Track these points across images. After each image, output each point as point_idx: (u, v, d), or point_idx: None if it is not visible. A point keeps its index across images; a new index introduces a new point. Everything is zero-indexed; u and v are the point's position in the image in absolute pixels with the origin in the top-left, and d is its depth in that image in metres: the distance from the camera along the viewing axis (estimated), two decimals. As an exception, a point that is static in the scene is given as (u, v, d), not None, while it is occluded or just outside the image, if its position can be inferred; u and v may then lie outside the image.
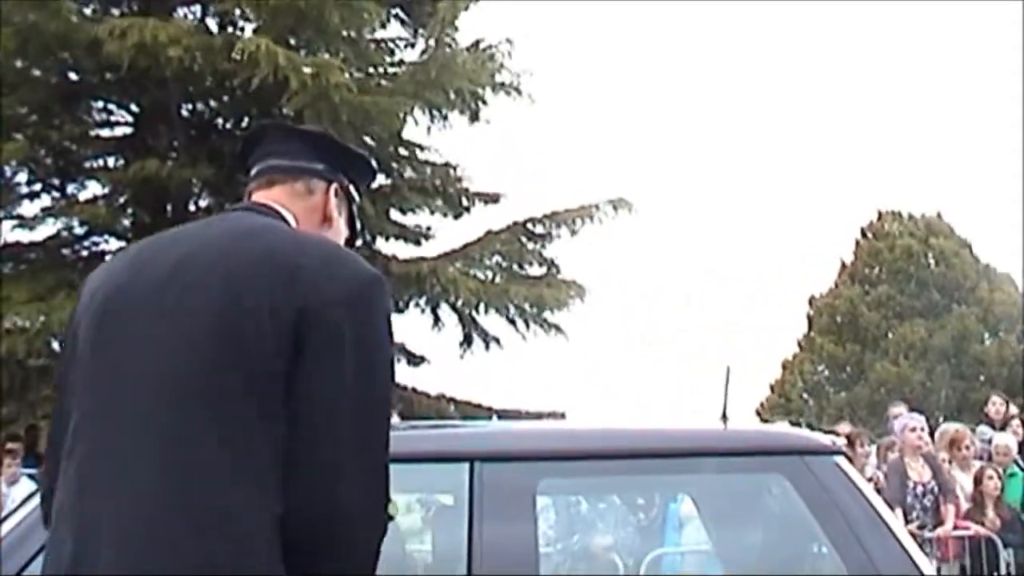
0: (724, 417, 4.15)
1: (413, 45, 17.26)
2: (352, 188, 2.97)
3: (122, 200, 16.49)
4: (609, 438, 4.08)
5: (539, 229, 17.25)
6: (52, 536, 2.47)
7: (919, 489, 10.79)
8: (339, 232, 2.89)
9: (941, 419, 13.96)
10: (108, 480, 2.38)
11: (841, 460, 3.99)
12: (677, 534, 9.85)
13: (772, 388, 43.33)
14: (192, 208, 16.69)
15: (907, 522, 10.27)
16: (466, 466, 3.74)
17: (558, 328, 17.49)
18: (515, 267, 17.35)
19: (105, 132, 17.13)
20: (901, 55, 66.11)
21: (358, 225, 3.02)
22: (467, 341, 17.59)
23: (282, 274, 2.46)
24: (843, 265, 44.11)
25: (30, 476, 12.78)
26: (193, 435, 2.37)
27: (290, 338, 2.41)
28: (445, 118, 16.52)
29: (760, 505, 4.24)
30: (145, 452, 2.37)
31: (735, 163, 68.54)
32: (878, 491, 10.45)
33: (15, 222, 16.60)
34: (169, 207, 16.28)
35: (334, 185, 2.88)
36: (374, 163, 3.16)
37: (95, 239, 17.01)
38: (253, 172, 2.90)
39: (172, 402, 2.40)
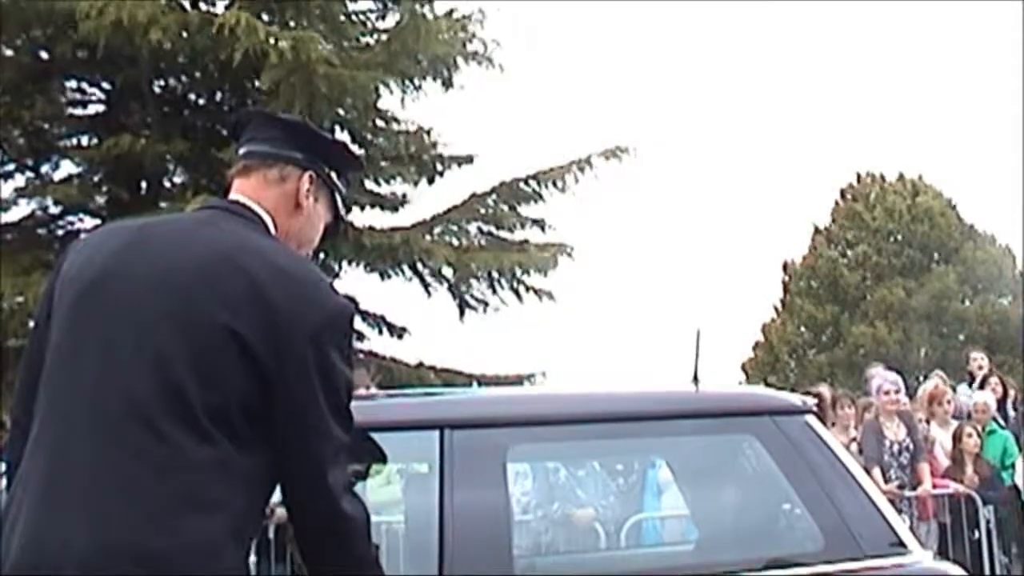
0: (695, 380, 4.15)
1: (384, 16, 17.14)
2: (335, 176, 3.07)
3: (96, 178, 16.39)
4: (579, 403, 4.08)
5: (526, 188, 17.03)
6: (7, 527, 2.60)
7: (895, 448, 10.81)
8: (314, 218, 3.02)
9: (921, 378, 13.98)
10: (71, 491, 2.53)
11: (811, 419, 4.00)
12: (656, 500, 9.88)
13: (754, 350, 43.45)
14: (167, 184, 16.61)
15: (885, 481, 10.29)
16: (436, 433, 3.74)
17: (543, 293, 17.36)
18: (498, 231, 17.19)
19: (78, 111, 16.99)
20: (882, 15, 65.94)
21: (342, 211, 3.14)
22: (461, 311, 17.47)
23: (250, 303, 2.62)
24: (816, 229, 44.18)
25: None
26: (153, 454, 2.54)
27: (260, 369, 2.61)
28: (419, 88, 16.42)
29: (732, 466, 4.24)
30: (108, 464, 2.54)
31: (712, 124, 68.62)
32: (860, 451, 10.52)
33: (-12, 204, 16.52)
34: (144, 184, 16.19)
35: (308, 172, 2.98)
36: (357, 151, 3.25)
37: (70, 218, 16.91)
38: (238, 155, 3.03)
39: (139, 416, 2.56)
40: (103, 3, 13.94)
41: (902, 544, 3.85)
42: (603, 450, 4.69)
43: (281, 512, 9.13)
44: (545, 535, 9.21)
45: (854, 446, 10.67)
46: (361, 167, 3.28)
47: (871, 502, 3.89)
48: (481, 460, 3.73)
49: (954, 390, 13.06)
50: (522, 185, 16.96)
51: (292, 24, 15.21)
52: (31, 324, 11.04)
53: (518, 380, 16.40)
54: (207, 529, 2.51)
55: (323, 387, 2.68)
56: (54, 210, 16.68)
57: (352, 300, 2.86)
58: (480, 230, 17.18)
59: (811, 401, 4.16)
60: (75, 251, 2.89)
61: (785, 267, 44.33)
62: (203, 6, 15.61)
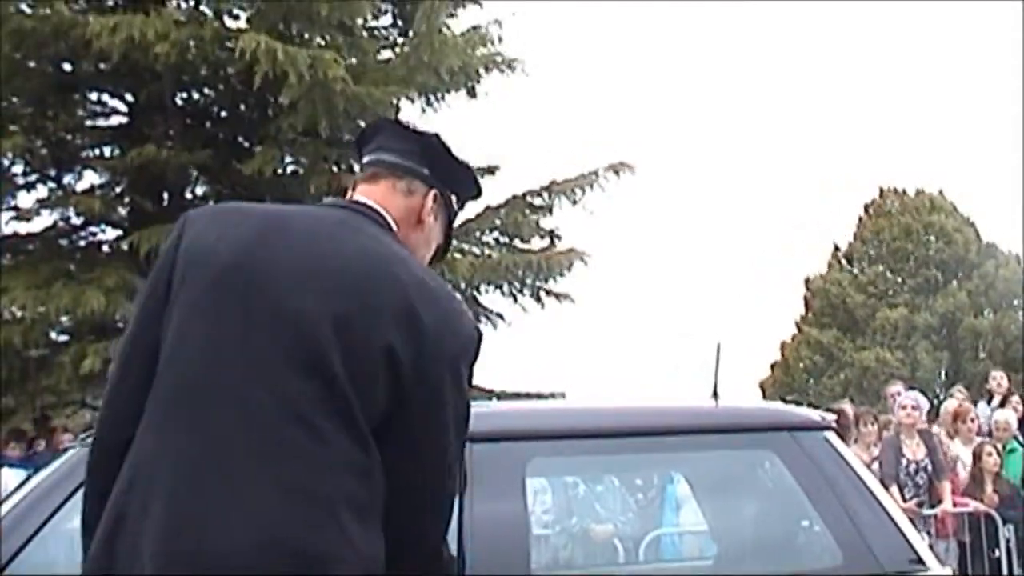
0: (715, 395, 4.15)
1: (405, 33, 17.20)
2: (454, 198, 3.02)
3: (119, 189, 16.46)
4: (598, 417, 4.08)
5: (539, 201, 17.13)
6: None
7: (912, 467, 10.77)
8: (430, 237, 2.94)
9: (941, 396, 13.94)
10: (224, 489, 2.43)
11: (831, 436, 4.00)
12: (675, 515, 9.86)
13: (772, 368, 43.33)
14: (189, 195, 16.68)
15: (903, 499, 10.26)
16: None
17: (562, 296, 17.43)
18: (514, 240, 17.27)
19: (101, 122, 17.05)
20: (903, 31, 65.95)
21: (452, 236, 3.08)
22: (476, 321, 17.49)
23: (404, 321, 2.53)
24: (836, 247, 44.08)
25: (11, 466, 12.92)
26: (302, 449, 2.45)
27: (401, 388, 2.53)
28: (441, 99, 16.50)
29: (751, 482, 4.25)
30: (265, 462, 2.44)
31: (736, 141, 68.55)
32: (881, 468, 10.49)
33: (12, 214, 16.56)
34: (166, 195, 16.26)
35: (434, 191, 2.92)
36: (479, 180, 3.15)
37: (92, 229, 16.97)
38: (363, 163, 2.97)
39: (298, 416, 2.47)
40: (115, 20, 14.02)
41: (920, 561, 3.86)
42: (623, 464, 4.69)
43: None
44: (564, 550, 9.19)
45: (876, 464, 10.63)
46: (480, 195, 3.15)
47: (890, 518, 3.89)
48: (501, 473, 3.74)
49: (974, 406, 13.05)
50: (534, 198, 17.07)
51: (309, 39, 15.27)
52: (52, 334, 11.04)
53: (537, 396, 16.41)
54: (369, 536, 2.47)
55: (452, 416, 2.63)
56: (76, 221, 16.73)
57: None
58: (497, 240, 17.25)
59: (830, 417, 4.16)
60: (194, 228, 2.68)
61: (807, 283, 44.22)
62: (222, 18, 15.70)
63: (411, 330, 2.53)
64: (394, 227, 2.79)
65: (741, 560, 4.24)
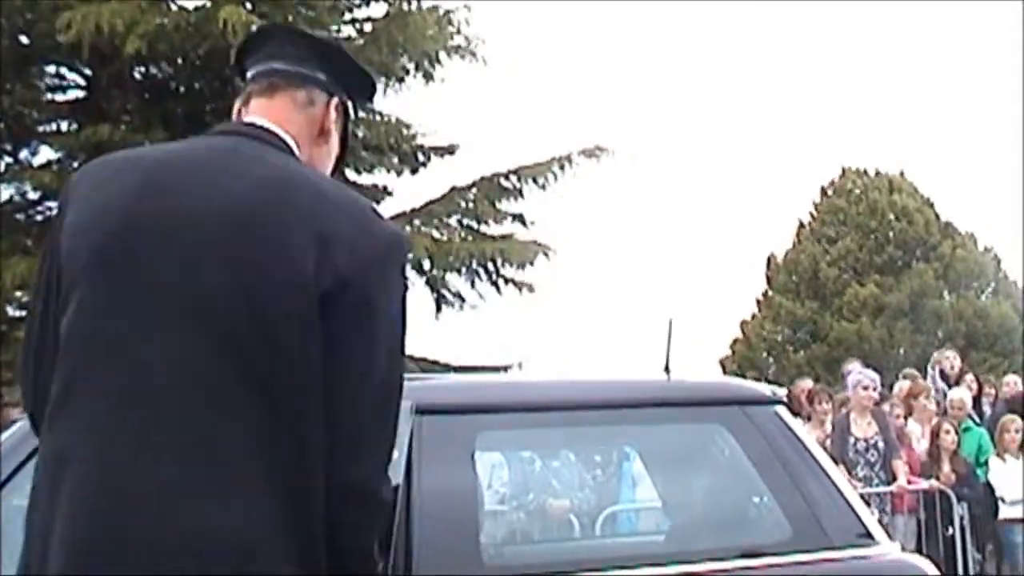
0: (667, 369, 4.15)
1: (368, 3, 17.13)
2: (351, 105, 2.81)
3: (75, 165, 16.36)
4: (549, 390, 4.08)
5: (507, 184, 17.07)
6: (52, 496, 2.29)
7: (860, 445, 10.82)
8: (332, 149, 2.75)
9: (900, 376, 14.07)
10: (136, 475, 2.24)
11: (781, 410, 4.00)
12: (632, 491, 9.89)
13: (732, 348, 43.49)
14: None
15: (851, 477, 10.30)
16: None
17: (522, 285, 17.41)
18: (478, 224, 17.22)
19: (58, 96, 16.98)
20: (867, 13, 66.04)
21: (349, 144, 2.87)
22: (438, 306, 17.51)
23: (315, 243, 2.33)
24: (800, 224, 44.20)
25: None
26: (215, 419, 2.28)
27: (317, 313, 2.31)
28: (401, 81, 16.43)
29: (702, 456, 4.25)
30: (174, 441, 2.26)
31: (699, 121, 68.69)
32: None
33: (-33, 187, 16.49)
34: (122, 172, 16.16)
35: (335, 99, 2.72)
36: (376, 82, 2.96)
37: (49, 204, 16.88)
38: (253, 74, 2.72)
39: (200, 383, 2.28)
40: (81, 14, 13.93)
41: (870, 535, 3.87)
42: (574, 438, 4.68)
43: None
44: (518, 525, 9.21)
45: (827, 442, 10.68)
46: (373, 97, 3.05)
47: (840, 493, 3.90)
48: (450, 446, 3.72)
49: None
50: (502, 180, 17.01)
51: (272, 14, 15.19)
52: (8, 308, 11.00)
53: (495, 370, 16.41)
54: (300, 518, 2.27)
55: (384, 325, 2.39)
56: (33, 196, 16.66)
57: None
58: (460, 223, 17.20)
59: (781, 392, 4.16)
60: (76, 194, 2.48)
61: (769, 262, 44.35)
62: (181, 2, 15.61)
63: (324, 248, 2.32)
64: (295, 147, 2.60)
65: (692, 535, 4.24)
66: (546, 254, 16.89)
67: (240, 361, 2.29)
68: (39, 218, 16.93)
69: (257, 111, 2.64)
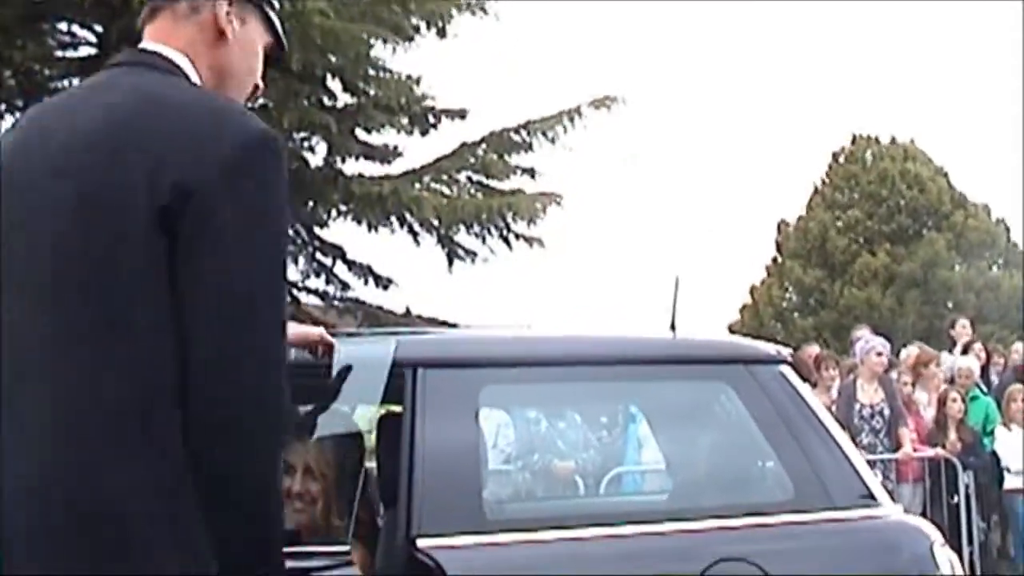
0: (672, 327, 4.14)
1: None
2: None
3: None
4: (553, 345, 4.07)
5: (516, 138, 16.98)
6: None
7: (866, 411, 10.82)
8: (247, 45, 2.61)
9: (908, 345, 14.04)
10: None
11: (786, 369, 3.99)
12: (637, 454, 9.92)
13: (742, 312, 43.43)
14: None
15: (855, 444, 10.30)
16: (409, 372, 3.72)
17: (532, 240, 17.37)
18: (488, 180, 17.16)
19: (69, 53, 16.93)
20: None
21: (283, 31, 2.73)
22: (450, 261, 17.51)
23: (152, 158, 2.21)
24: (815, 190, 44.05)
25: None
26: (72, 336, 2.19)
27: (158, 231, 2.19)
28: (411, 39, 16.35)
29: (706, 414, 4.24)
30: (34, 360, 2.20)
31: (711, 86, 68.48)
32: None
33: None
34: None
35: None
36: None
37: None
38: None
39: (48, 300, 2.22)
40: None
41: (872, 497, 3.86)
42: (578, 394, 4.68)
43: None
44: (522, 484, 9.24)
45: (834, 408, 10.67)
46: None
47: (843, 454, 3.90)
48: (453, 401, 3.72)
49: (938, 357, 13.09)
50: (512, 135, 16.93)
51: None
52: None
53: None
54: (156, 465, 2.15)
55: (233, 235, 2.21)
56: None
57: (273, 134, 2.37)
58: (470, 179, 17.15)
59: (786, 351, 4.15)
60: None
61: (779, 228, 44.22)
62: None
63: (161, 162, 2.20)
64: (180, 60, 2.48)
65: (694, 493, 4.24)
66: (558, 202, 16.80)
67: (80, 299, 2.20)
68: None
69: (147, 37, 2.56)
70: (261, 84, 2.72)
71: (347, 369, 3.58)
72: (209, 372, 2.18)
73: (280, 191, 2.32)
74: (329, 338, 3.50)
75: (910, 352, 12.92)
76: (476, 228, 16.86)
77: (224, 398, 2.18)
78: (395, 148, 17.24)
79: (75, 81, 16.49)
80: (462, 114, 17.38)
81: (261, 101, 15.75)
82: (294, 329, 3.05)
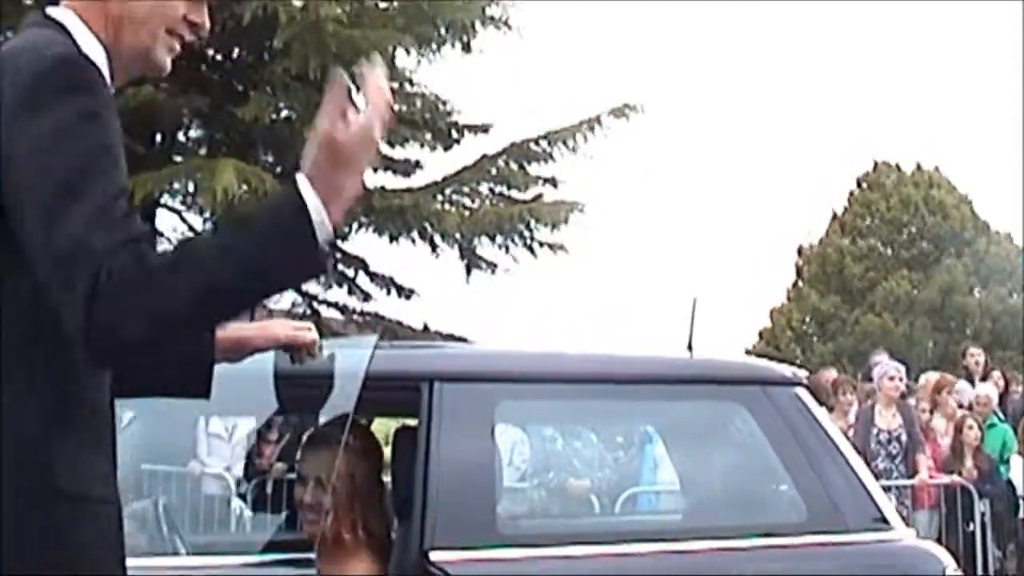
0: (689, 347, 4.14)
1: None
2: None
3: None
4: (568, 362, 4.07)
5: (536, 149, 16.98)
6: None
7: (883, 436, 10.80)
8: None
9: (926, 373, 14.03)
10: None
11: (801, 392, 3.99)
12: (653, 474, 9.90)
13: (761, 335, 43.37)
14: (182, 138, 16.64)
15: (871, 469, 10.26)
16: (425, 386, 3.74)
17: (555, 247, 17.36)
18: (509, 191, 17.15)
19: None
20: (905, 5, 65.68)
21: None
22: (468, 271, 17.54)
23: None
24: (834, 215, 43.99)
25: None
26: None
27: None
28: (436, 51, 16.39)
29: (721, 435, 4.24)
30: None
31: (732, 100, 68.47)
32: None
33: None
34: (159, 137, 16.21)
35: None
36: None
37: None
38: None
39: None
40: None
41: (885, 521, 3.86)
42: (593, 411, 4.67)
43: (280, 467, 9.09)
44: (537, 501, 9.25)
45: (850, 432, 10.64)
46: None
47: (857, 478, 3.90)
48: (469, 414, 3.73)
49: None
50: (532, 145, 16.92)
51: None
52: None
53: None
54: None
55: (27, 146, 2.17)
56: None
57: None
58: (491, 191, 17.15)
59: (802, 373, 4.15)
60: None
61: (800, 251, 44.18)
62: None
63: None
64: (65, 18, 2.44)
65: (708, 512, 4.25)
66: (580, 210, 16.79)
67: None
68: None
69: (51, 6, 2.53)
70: (197, 21, 2.65)
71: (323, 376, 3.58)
72: (53, 278, 2.14)
73: (77, 104, 2.26)
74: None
75: (928, 378, 12.89)
76: (499, 238, 16.87)
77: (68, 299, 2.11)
78: (416, 162, 17.27)
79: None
80: (485, 129, 17.40)
81: (285, 113, 15.86)
82: (285, 330, 2.96)
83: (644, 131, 16.76)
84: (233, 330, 2.71)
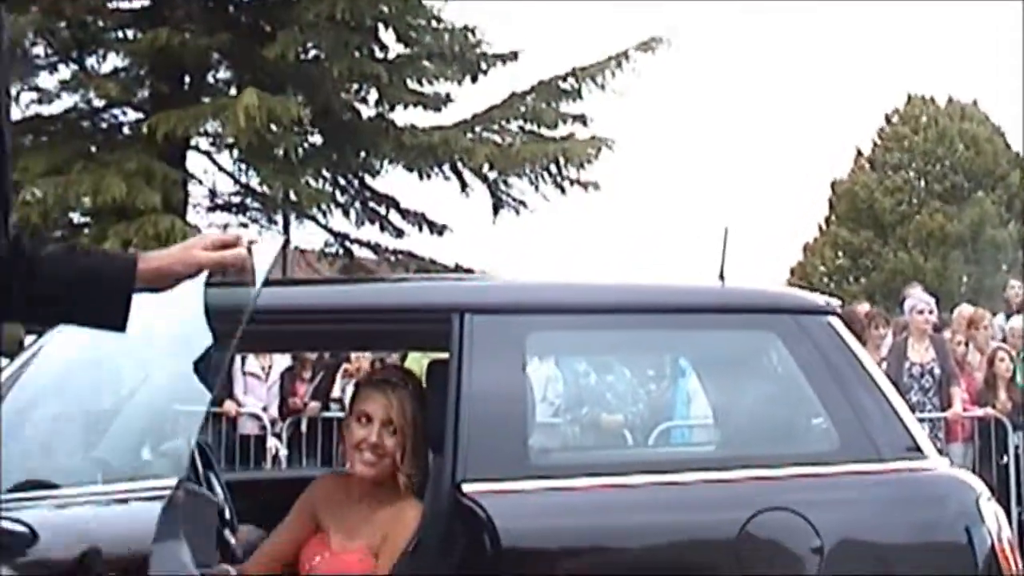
0: (721, 277, 4.12)
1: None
2: None
3: (140, 72, 16.43)
4: (599, 292, 4.06)
5: (565, 86, 16.97)
6: None
7: (915, 370, 10.76)
8: None
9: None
10: None
11: (834, 320, 3.96)
12: (686, 408, 9.91)
13: (792, 271, 43.25)
14: (211, 79, 16.64)
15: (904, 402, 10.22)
16: (456, 317, 3.74)
17: (586, 184, 17.37)
18: (539, 128, 17.14)
19: (123, 4, 16.99)
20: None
21: None
22: (495, 210, 17.58)
23: None
24: (858, 152, 43.74)
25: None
26: None
27: None
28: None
29: (753, 364, 4.21)
30: None
31: (762, 40, 67.92)
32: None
33: (33, 95, 16.59)
34: (187, 78, 16.23)
35: None
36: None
37: (114, 112, 16.99)
38: None
39: None
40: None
41: (919, 450, 3.83)
42: (624, 342, 4.62)
43: (314, 405, 9.14)
44: (569, 435, 9.27)
45: (884, 365, 10.60)
46: None
47: (890, 407, 3.87)
48: (500, 346, 3.73)
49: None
50: (561, 83, 16.91)
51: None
52: (72, 215, 11.17)
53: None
54: None
55: None
56: (97, 103, 16.73)
57: None
58: (521, 128, 17.14)
59: (835, 302, 4.12)
60: None
61: (833, 186, 43.96)
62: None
63: None
64: None
65: (740, 443, 4.22)
66: (609, 146, 16.77)
67: None
68: (104, 126, 17.03)
69: None
70: None
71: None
72: None
73: None
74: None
75: (961, 311, 12.82)
76: (528, 175, 16.88)
77: None
78: (447, 96, 17.25)
79: (129, 33, 16.57)
80: (513, 56, 17.35)
81: (312, 52, 15.84)
82: (208, 253, 2.74)
83: (672, 65, 16.74)
84: (154, 259, 2.64)
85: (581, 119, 17.16)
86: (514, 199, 17.51)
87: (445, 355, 3.84)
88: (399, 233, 17.78)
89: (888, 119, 43.74)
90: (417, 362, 10.90)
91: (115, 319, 2.59)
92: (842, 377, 3.83)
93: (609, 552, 3.64)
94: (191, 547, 3.28)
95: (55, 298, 2.49)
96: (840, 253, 42.84)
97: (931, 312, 11.23)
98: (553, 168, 16.86)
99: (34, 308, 2.49)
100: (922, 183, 41.90)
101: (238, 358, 10.98)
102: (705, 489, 3.69)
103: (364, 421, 3.87)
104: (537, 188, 17.16)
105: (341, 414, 9.02)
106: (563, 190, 17.27)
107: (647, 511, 3.65)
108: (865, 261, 41.67)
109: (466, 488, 3.53)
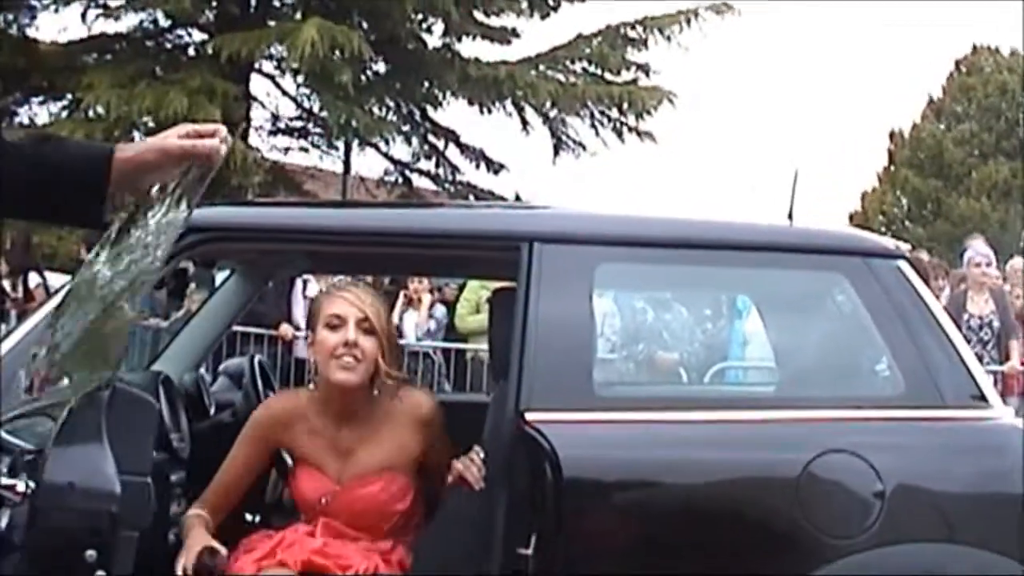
0: (790, 217, 4.10)
1: None
2: None
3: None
4: (670, 226, 4.05)
5: (632, 33, 16.97)
6: None
7: (974, 322, 10.68)
8: None
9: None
10: None
11: (904, 265, 3.93)
12: (741, 350, 9.91)
13: (851, 218, 42.92)
14: (276, 3, 16.64)
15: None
16: (525, 246, 3.74)
17: (644, 134, 17.36)
18: (602, 72, 17.15)
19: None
20: None
21: None
22: (556, 151, 17.60)
23: None
24: (930, 99, 43.23)
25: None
26: None
27: None
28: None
29: (819, 305, 4.19)
30: None
31: None
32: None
33: (99, 11, 16.62)
34: (253, 1, 16.24)
35: None
36: None
37: (179, 32, 17.03)
38: None
39: None
40: None
41: (984, 399, 3.81)
42: (691, 277, 4.61)
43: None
44: (629, 371, 9.29)
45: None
46: None
47: (957, 354, 3.84)
48: (568, 276, 3.73)
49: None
50: (628, 30, 16.89)
51: None
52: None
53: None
54: None
55: None
56: (163, 22, 16.78)
57: None
58: (585, 71, 17.13)
59: (905, 247, 4.09)
60: None
61: (891, 136, 43.53)
62: None
63: None
64: None
65: (803, 384, 4.20)
66: (671, 100, 16.78)
67: None
68: (168, 45, 17.08)
69: None
70: None
71: None
72: None
73: None
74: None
75: (1014, 264, 12.66)
76: (590, 117, 16.88)
77: None
78: (513, 30, 17.20)
79: None
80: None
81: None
82: (180, 143, 2.64)
83: (738, 24, 16.61)
84: (129, 147, 2.55)
85: (645, 68, 17.17)
86: (573, 141, 17.51)
87: (506, 284, 3.85)
88: (455, 169, 17.81)
89: (957, 67, 43.18)
90: (475, 292, 10.98)
91: (93, 214, 2.50)
92: (910, 322, 3.80)
93: (670, 487, 3.64)
94: (115, 452, 3.18)
95: (27, 189, 2.40)
96: (903, 199, 42.47)
97: (989, 264, 11.13)
98: (614, 112, 16.89)
99: (2, 202, 2.40)
100: (990, 136, 41.34)
101: (299, 281, 11.04)
102: (768, 428, 3.69)
103: (336, 325, 3.79)
104: (597, 132, 17.16)
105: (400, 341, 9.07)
106: (621, 137, 17.25)
107: (710, 447, 3.65)
108: (928, 210, 41.29)
109: (529, 416, 3.54)
